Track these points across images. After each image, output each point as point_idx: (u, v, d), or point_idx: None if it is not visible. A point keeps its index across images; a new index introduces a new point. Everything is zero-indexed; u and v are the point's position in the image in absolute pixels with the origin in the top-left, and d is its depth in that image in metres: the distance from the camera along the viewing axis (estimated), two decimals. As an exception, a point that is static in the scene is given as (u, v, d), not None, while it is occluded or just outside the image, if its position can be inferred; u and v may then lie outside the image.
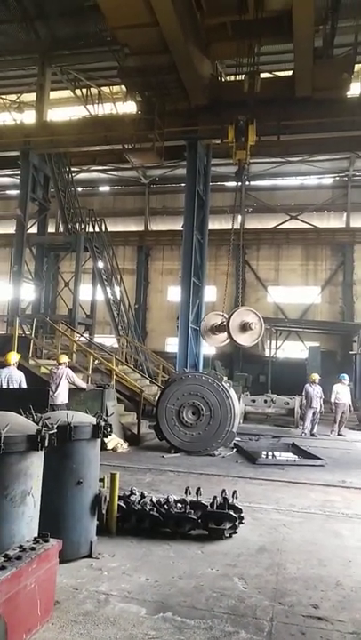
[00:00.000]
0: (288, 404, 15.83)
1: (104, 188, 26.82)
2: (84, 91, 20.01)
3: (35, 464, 3.80)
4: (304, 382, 14.67)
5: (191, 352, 14.70)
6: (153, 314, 25.62)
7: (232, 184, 23.60)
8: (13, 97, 21.45)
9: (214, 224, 21.73)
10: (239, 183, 12.53)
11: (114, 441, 10.21)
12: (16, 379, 9.36)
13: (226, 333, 10.53)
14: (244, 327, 10.11)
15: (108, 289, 18.96)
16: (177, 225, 22.37)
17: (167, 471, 8.48)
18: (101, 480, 5.32)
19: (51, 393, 10.20)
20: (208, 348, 18.33)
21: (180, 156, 15.88)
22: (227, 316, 10.56)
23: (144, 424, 11.99)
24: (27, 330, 15.65)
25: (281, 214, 24.71)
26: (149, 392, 13.85)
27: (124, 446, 10.47)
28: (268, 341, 22.57)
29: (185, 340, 14.56)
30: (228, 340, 10.79)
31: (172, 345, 22.88)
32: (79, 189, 22.52)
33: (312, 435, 13.79)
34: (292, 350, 23.81)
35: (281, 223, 24.73)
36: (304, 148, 17.20)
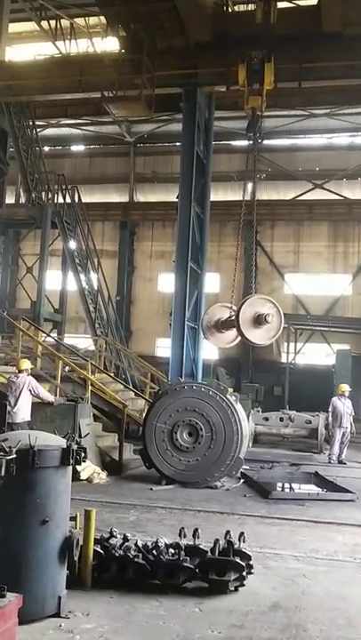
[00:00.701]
0: (310, 422, 15.85)
1: (78, 148, 26.76)
2: (53, 23, 19.88)
3: (-12, 498, 3.79)
4: (331, 395, 14.74)
5: (188, 357, 14.71)
6: (139, 308, 25.72)
7: (241, 143, 23.58)
8: None
9: (218, 194, 21.56)
10: (251, 141, 12.45)
11: (89, 469, 10.25)
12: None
13: (235, 330, 10.58)
14: (259, 320, 10.09)
15: (83, 276, 18.91)
16: (170, 195, 22.33)
17: (157, 507, 8.53)
18: (73, 519, 5.33)
19: (9, 408, 10.23)
20: (209, 351, 18.38)
21: (175, 107, 15.86)
22: (236, 308, 10.68)
23: (127, 448, 12.01)
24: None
25: (302, 182, 24.67)
26: (134, 407, 13.91)
27: (101, 476, 10.49)
28: (285, 343, 22.50)
29: (180, 342, 14.58)
30: (238, 338, 10.83)
31: (163, 348, 23.06)
32: (46, 149, 22.47)
33: (340, 462, 13.86)
34: (316, 355, 23.99)
35: (302, 193, 24.74)
36: (332, 97, 17.18)
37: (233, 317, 10.79)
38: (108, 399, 12.55)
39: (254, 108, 11.98)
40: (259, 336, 10.28)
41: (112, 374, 15.47)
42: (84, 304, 18.94)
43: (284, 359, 22.90)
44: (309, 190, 24.70)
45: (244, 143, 23.17)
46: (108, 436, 12.31)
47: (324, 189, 24.56)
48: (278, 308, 10.28)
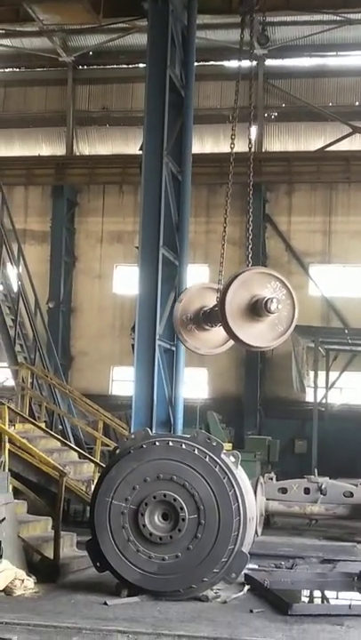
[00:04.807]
0: (352, 495, 14.29)
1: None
2: None
3: None
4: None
5: (161, 395, 13.25)
6: (85, 321, 22.80)
7: (236, 65, 23.11)
8: None
9: (205, 144, 20.57)
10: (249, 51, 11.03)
11: (7, 574, 9.12)
12: None
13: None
14: (257, 309, 9.02)
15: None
16: (131, 145, 21.07)
17: (114, 632, 7.51)
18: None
19: None
20: (195, 386, 17.86)
21: (136, 10, 14.35)
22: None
23: (68, 539, 10.72)
24: None
25: (335, 124, 21.58)
26: (78, 475, 12.83)
27: (27, 584, 9.28)
28: (311, 373, 19.80)
29: (149, 373, 13.05)
30: (229, 340, 10.01)
31: (122, 382, 21.64)
32: None
33: None
34: (359, 390, 21.65)
35: (335, 141, 21.52)
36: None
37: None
38: (36, 464, 11.27)
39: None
40: (257, 335, 9.29)
41: (42, 425, 14.12)
42: (-1, 314, 17.28)
43: (310, 397, 20.04)
44: (346, 136, 21.38)
45: (243, 64, 21.99)
46: (36, 522, 10.97)
47: (369, 135, 21.35)
48: (289, 287, 9.17)
